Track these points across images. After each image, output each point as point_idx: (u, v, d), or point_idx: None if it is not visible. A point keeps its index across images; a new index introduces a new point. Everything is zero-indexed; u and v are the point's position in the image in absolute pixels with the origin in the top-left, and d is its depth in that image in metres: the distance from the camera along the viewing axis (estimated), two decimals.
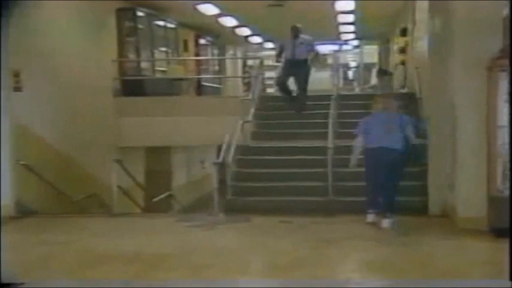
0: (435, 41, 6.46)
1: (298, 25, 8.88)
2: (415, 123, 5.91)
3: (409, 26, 10.47)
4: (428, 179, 6.42)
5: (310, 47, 8.87)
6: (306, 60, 8.76)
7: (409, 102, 8.22)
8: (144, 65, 10.68)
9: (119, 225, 6.27)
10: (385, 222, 5.73)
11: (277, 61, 9.13)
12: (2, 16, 3.95)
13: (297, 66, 8.75)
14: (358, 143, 5.92)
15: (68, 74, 8.08)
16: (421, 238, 5.39)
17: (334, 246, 5.12)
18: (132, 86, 9.70)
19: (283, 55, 8.92)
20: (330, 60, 17.23)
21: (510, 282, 3.58)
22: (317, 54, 9.03)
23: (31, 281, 4.01)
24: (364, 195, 6.14)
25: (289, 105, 8.77)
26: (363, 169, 6.53)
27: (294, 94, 8.87)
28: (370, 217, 5.86)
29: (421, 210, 6.33)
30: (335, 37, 16.59)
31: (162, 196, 9.84)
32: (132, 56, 10.33)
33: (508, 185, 5.16)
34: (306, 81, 8.85)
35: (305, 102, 8.75)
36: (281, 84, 8.93)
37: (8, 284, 3.58)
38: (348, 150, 7.33)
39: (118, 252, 4.93)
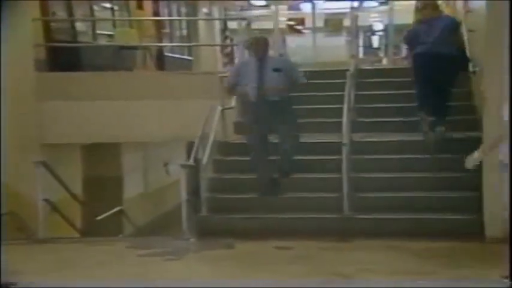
0: None
1: (267, 36, 7.31)
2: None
3: None
4: (484, 188, 6.47)
5: (290, 73, 7.02)
6: (288, 100, 6.99)
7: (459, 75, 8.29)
8: (80, 26, 10.61)
9: (44, 255, 6.25)
10: (437, 132, 7.03)
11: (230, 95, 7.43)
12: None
13: (273, 114, 6.80)
14: (409, 54, 7.75)
15: None
16: (476, 272, 5.41)
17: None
18: (63, 57, 9.61)
19: (242, 90, 7.02)
20: (346, 22, 17.30)
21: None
22: (298, 83, 7.12)
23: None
24: (392, 211, 6.27)
25: (265, 190, 7.00)
26: (391, 175, 6.56)
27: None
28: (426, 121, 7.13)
29: (474, 232, 6.37)
30: None
31: (109, 213, 9.81)
32: (61, 13, 10.25)
33: None
34: (296, 135, 7.09)
35: (293, 163, 7.10)
36: (256, 158, 7.02)
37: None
38: (371, 147, 7.37)
39: None
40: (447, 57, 7.02)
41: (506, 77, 6.09)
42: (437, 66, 7.01)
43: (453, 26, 7.37)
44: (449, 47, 7.09)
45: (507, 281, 4.56)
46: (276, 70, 6.95)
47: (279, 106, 6.88)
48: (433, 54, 7.05)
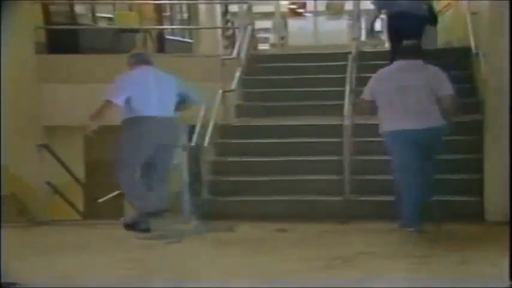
0: None
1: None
2: None
3: None
4: (485, 170, 6.43)
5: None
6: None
7: (461, 59, 8.24)
8: (79, 9, 10.57)
9: (43, 238, 6.23)
10: None
11: None
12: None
13: None
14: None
15: None
16: (478, 254, 5.38)
17: (354, 265, 5.11)
18: (63, 39, 9.61)
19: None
20: (347, 6, 17.21)
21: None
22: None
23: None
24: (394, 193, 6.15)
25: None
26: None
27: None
28: None
29: (475, 214, 6.39)
30: None
31: (110, 196, 9.79)
32: None
33: None
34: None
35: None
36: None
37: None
38: (372, 129, 7.33)
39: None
40: (420, 16, 7.97)
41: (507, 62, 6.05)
42: (411, 24, 7.74)
43: None
44: (421, 8, 8.12)
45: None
46: None
47: None
48: (407, 14, 7.90)
